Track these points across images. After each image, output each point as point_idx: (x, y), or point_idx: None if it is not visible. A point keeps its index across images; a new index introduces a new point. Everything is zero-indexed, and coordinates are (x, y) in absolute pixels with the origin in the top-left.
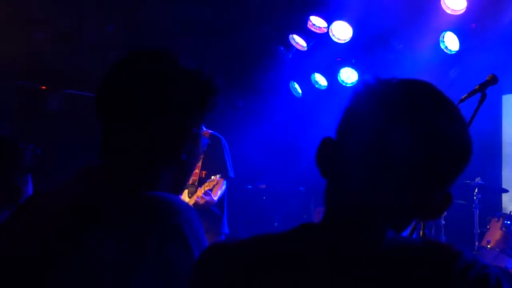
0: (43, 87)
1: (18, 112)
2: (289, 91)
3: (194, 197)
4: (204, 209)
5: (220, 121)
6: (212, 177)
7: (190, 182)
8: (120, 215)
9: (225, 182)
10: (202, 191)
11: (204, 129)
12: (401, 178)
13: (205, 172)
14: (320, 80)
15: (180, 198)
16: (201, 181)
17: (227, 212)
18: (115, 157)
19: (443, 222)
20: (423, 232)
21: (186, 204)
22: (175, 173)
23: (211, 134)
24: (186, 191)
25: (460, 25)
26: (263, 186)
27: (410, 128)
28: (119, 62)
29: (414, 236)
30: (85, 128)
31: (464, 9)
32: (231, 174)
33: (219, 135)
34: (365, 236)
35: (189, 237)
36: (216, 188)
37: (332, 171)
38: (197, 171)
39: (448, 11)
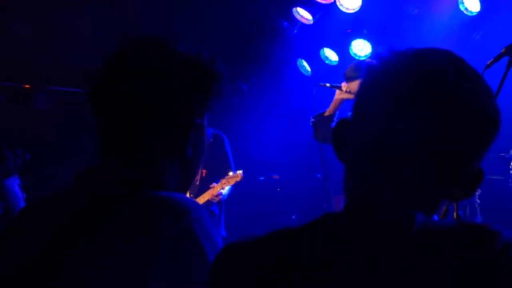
0: (27, 86)
1: (2, 113)
2: (297, 70)
3: (207, 195)
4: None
5: (223, 108)
6: (230, 173)
7: None
8: (127, 218)
9: None
10: (219, 188)
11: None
12: (424, 156)
13: (206, 171)
14: (331, 55)
15: (187, 196)
16: (203, 181)
17: (224, 212)
18: (116, 156)
19: (478, 201)
20: (457, 214)
21: (195, 203)
22: (181, 170)
23: (212, 133)
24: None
25: None
26: (276, 177)
27: (428, 101)
28: (113, 54)
29: (447, 218)
30: (77, 127)
31: None
32: (235, 173)
33: (221, 133)
34: (393, 222)
35: (200, 237)
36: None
37: (350, 155)
38: None
39: None
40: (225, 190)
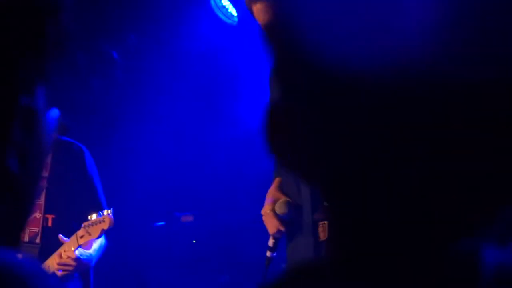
0: None
1: None
2: (212, 18)
3: (53, 263)
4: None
5: (78, 96)
6: (92, 216)
7: (26, 237)
8: None
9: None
10: (74, 247)
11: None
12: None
13: (54, 216)
14: None
15: (20, 260)
16: (48, 234)
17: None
18: None
19: None
20: None
21: (38, 269)
22: None
23: (61, 142)
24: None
25: None
26: (188, 219)
27: None
28: None
29: None
30: None
31: None
32: (100, 215)
33: (78, 144)
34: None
35: None
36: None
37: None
38: (38, 215)
39: None
40: (91, 249)
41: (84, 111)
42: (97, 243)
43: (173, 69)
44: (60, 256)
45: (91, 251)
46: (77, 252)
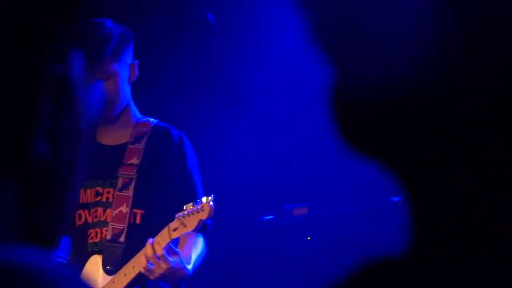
0: None
1: None
2: None
3: (138, 264)
4: None
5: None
6: (188, 206)
7: (109, 235)
8: None
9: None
10: (165, 243)
11: (142, 117)
12: None
13: (143, 211)
14: None
15: (53, 262)
16: (135, 232)
17: None
18: None
19: None
20: None
21: (71, 275)
22: (25, 194)
23: (158, 128)
24: (96, 258)
25: None
26: (303, 211)
27: None
28: None
29: None
30: None
31: None
32: (197, 204)
33: (177, 131)
34: None
35: None
36: (185, 241)
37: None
38: (124, 209)
39: None
40: (193, 256)
41: (178, 89)
42: (196, 251)
43: (278, 35)
44: (148, 253)
45: (186, 258)
46: (165, 251)
